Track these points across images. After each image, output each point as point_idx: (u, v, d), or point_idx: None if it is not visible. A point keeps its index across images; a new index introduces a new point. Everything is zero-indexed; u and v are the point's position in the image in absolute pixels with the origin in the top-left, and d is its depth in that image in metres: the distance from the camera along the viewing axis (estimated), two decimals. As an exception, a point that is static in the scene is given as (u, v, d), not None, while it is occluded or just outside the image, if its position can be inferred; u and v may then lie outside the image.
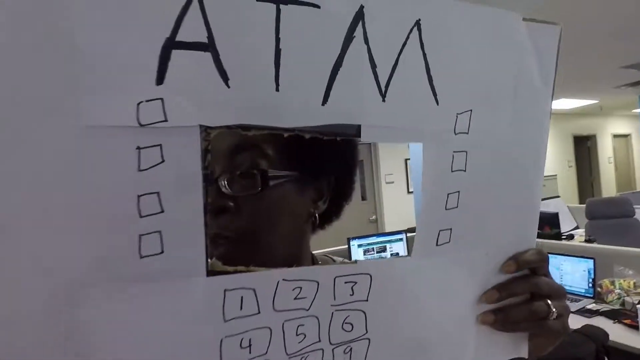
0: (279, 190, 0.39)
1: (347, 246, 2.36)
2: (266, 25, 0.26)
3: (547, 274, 0.38)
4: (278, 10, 0.26)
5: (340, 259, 0.55)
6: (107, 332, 0.25)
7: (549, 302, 0.36)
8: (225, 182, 0.38)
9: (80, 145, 0.23)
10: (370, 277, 0.32)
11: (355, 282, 0.31)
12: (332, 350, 0.32)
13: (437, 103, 0.32)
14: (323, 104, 0.28)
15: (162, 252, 0.26)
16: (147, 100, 0.24)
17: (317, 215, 0.44)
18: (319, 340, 0.31)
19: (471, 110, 0.33)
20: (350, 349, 0.32)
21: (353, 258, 2.20)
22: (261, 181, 0.38)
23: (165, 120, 0.25)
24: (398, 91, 0.30)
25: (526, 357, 0.39)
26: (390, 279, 0.33)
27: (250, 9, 0.26)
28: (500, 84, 0.34)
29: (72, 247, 0.24)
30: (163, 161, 0.25)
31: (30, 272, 0.23)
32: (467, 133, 0.33)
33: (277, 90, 0.27)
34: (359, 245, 2.39)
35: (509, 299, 0.37)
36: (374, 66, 0.29)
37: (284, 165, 0.39)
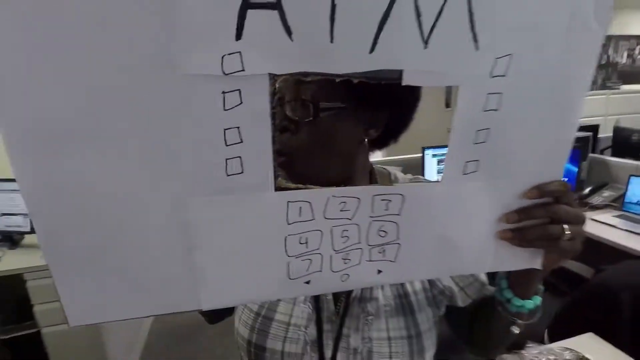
0: (331, 118, 0.46)
1: (421, 155, 2.27)
2: None
3: (570, 203, 0.43)
4: None
5: (401, 174, 0.62)
6: (206, 229, 0.35)
7: (565, 226, 0.42)
8: (289, 108, 0.46)
9: (180, 90, 0.31)
10: (403, 196, 0.39)
11: (390, 200, 0.39)
12: (369, 250, 0.41)
13: (477, 48, 0.34)
14: (370, 52, 0.33)
15: (242, 172, 0.34)
16: (229, 54, 0.30)
17: (367, 140, 0.51)
18: (359, 242, 0.40)
19: (511, 54, 0.36)
20: (384, 250, 0.41)
21: (426, 168, 2.24)
22: (313, 111, 0.45)
23: (243, 70, 0.31)
24: (439, 38, 0.33)
25: (539, 268, 0.46)
26: (420, 200, 0.40)
27: None
28: (550, 27, 0.35)
29: (180, 167, 0.33)
30: (241, 103, 0.32)
31: (154, 184, 0.33)
32: (504, 76, 0.36)
33: (332, 42, 0.32)
34: (434, 155, 2.29)
35: (530, 220, 0.43)
36: (418, 15, 0.33)
37: (339, 97, 0.45)
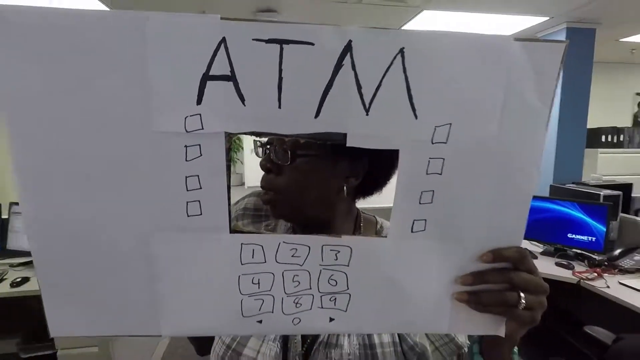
0: (308, 164, 0.51)
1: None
2: (272, 60, 0.36)
3: (531, 270, 0.42)
4: (281, 49, 0.35)
5: (388, 223, 0.64)
6: (168, 262, 0.40)
7: (522, 294, 0.41)
8: (273, 152, 0.51)
9: (151, 143, 0.37)
10: (351, 249, 0.41)
11: (339, 251, 0.41)
12: (321, 297, 0.43)
13: (416, 117, 0.38)
14: (316, 117, 0.37)
15: (201, 214, 0.39)
16: (191, 115, 0.36)
17: (346, 187, 0.55)
18: (310, 288, 0.43)
19: (450, 123, 0.38)
20: (335, 299, 0.43)
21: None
22: (290, 156, 0.50)
23: (202, 129, 0.37)
24: (380, 107, 0.37)
25: (503, 336, 0.44)
26: (368, 253, 0.42)
27: (261, 49, 0.35)
28: (484, 101, 0.38)
29: (148, 205, 0.38)
30: (201, 155, 0.38)
31: (124, 218, 0.39)
32: (446, 143, 0.39)
33: (280, 107, 0.37)
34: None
35: (485, 284, 0.43)
36: (359, 87, 0.37)
37: (317, 146, 0.50)
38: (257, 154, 0.54)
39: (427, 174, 0.39)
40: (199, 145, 0.37)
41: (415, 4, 2.71)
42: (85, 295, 0.41)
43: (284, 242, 0.41)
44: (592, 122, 3.43)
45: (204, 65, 0.35)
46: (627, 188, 2.58)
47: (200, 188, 0.38)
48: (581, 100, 3.20)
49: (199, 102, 0.36)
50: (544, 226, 2.21)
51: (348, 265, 0.42)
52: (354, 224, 0.61)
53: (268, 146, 0.53)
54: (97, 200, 0.38)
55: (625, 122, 5.14)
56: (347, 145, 0.38)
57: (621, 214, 2.28)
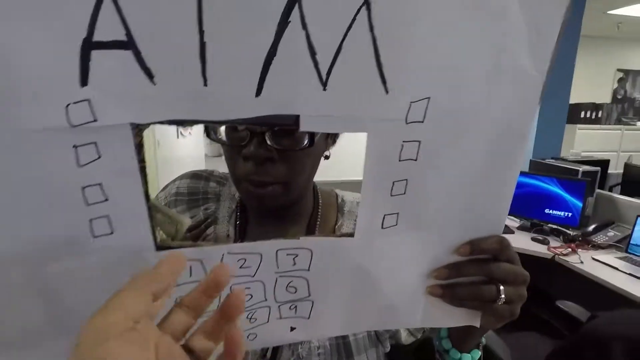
0: (319, 143, 0.45)
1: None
2: (188, 17, 0.25)
3: (511, 260, 0.38)
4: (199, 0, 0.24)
5: (350, 196, 0.57)
6: (71, 288, 0.30)
7: (501, 287, 0.37)
8: (271, 136, 0.39)
9: (24, 147, 0.26)
10: (311, 252, 0.34)
11: (297, 255, 0.34)
12: (279, 307, 0.36)
13: (387, 91, 0.29)
14: (257, 95, 0.28)
15: (112, 232, 0.29)
16: (75, 102, 0.25)
17: (326, 154, 0.49)
18: (265, 300, 0.36)
19: (429, 97, 0.30)
20: (296, 307, 0.37)
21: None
22: (309, 139, 0.41)
23: (95, 120, 0.26)
24: (341, 79, 0.28)
25: (477, 326, 0.41)
26: (331, 255, 0.35)
27: (169, 0, 0.24)
28: (472, 67, 0.30)
29: (34, 232, 0.28)
30: (100, 157, 0.27)
31: (11, 247, 0.28)
32: (422, 122, 0.31)
33: (205, 85, 0.27)
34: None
35: (462, 277, 0.38)
36: (313, 53, 0.27)
37: None
38: (217, 139, 0.41)
39: (400, 160, 0.32)
40: (95, 143, 0.27)
41: None
42: None
43: (228, 253, 0.33)
44: (572, 98, 3.25)
45: (82, 27, 0.24)
46: (604, 164, 2.54)
47: (106, 200, 0.28)
48: (565, 74, 2.96)
49: (83, 82, 0.25)
50: (523, 201, 2.18)
51: (309, 270, 0.35)
52: (313, 200, 0.54)
53: (257, 131, 0.39)
54: None
55: (605, 98, 4.84)
56: (301, 130, 0.29)
57: (597, 190, 2.27)
